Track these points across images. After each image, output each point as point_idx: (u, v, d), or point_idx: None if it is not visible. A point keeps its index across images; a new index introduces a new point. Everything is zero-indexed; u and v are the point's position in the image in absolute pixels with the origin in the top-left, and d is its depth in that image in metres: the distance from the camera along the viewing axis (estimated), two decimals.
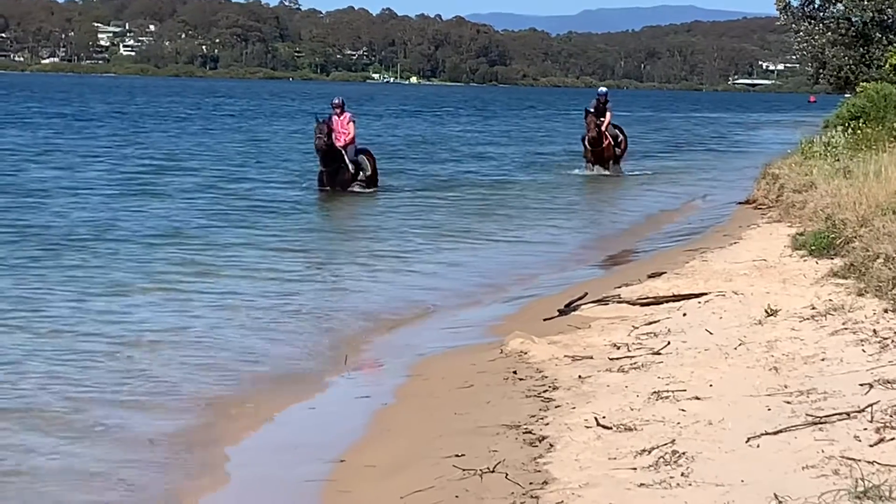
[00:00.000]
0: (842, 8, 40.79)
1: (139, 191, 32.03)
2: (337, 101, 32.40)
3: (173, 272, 19.16)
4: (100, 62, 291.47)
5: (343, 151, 31.77)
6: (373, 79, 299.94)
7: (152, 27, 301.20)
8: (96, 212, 27.12)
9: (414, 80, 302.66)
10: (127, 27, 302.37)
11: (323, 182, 32.06)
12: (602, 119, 40.05)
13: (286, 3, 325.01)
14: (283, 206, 29.59)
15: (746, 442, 8.60)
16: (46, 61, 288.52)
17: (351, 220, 28.51)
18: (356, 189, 31.79)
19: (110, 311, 15.90)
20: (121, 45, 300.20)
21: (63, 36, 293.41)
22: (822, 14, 41.57)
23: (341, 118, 32.03)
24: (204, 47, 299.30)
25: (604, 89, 42.46)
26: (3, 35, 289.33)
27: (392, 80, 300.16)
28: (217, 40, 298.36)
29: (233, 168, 40.33)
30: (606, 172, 40.15)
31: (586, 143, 40.37)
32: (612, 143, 40.55)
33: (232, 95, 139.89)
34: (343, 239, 25.00)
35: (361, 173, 32.12)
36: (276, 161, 43.93)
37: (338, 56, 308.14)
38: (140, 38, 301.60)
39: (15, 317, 15.26)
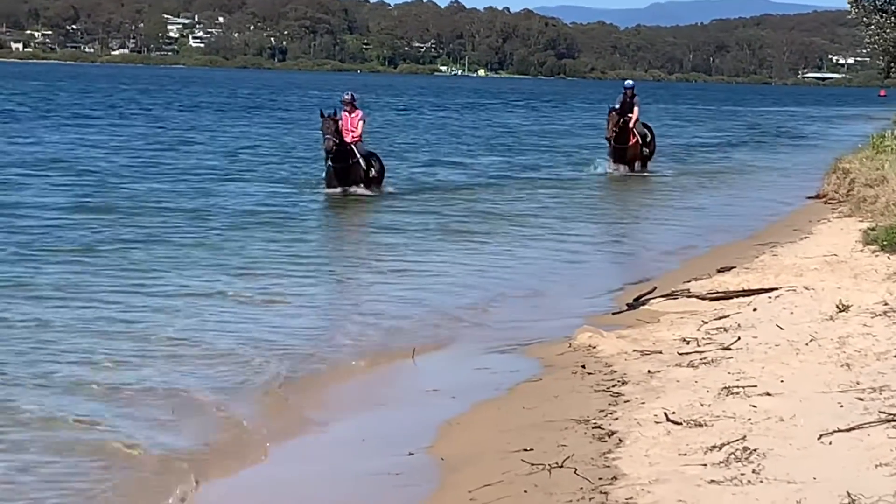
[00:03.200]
0: None
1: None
2: (347, 97, 30.12)
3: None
4: (169, 53, 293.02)
5: (354, 147, 29.67)
6: (440, 71, 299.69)
7: (221, 19, 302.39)
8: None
9: (482, 72, 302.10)
10: (196, 19, 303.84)
11: (333, 182, 29.81)
12: (629, 115, 37.30)
13: None
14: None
15: (818, 439, 8.53)
16: (116, 52, 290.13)
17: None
18: (359, 191, 29.63)
19: None
20: (190, 37, 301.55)
21: (133, 28, 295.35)
22: (893, 7, 41.11)
23: (352, 115, 29.85)
24: (272, 39, 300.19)
25: (630, 82, 39.48)
26: (74, 26, 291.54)
27: (460, 72, 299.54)
28: (285, 32, 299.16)
29: None
30: (630, 172, 37.51)
31: (611, 140, 37.68)
32: (640, 141, 37.87)
33: (322, 88, 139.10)
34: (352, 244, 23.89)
35: (372, 170, 30.11)
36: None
37: (406, 48, 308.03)
38: (209, 30, 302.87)
39: None
